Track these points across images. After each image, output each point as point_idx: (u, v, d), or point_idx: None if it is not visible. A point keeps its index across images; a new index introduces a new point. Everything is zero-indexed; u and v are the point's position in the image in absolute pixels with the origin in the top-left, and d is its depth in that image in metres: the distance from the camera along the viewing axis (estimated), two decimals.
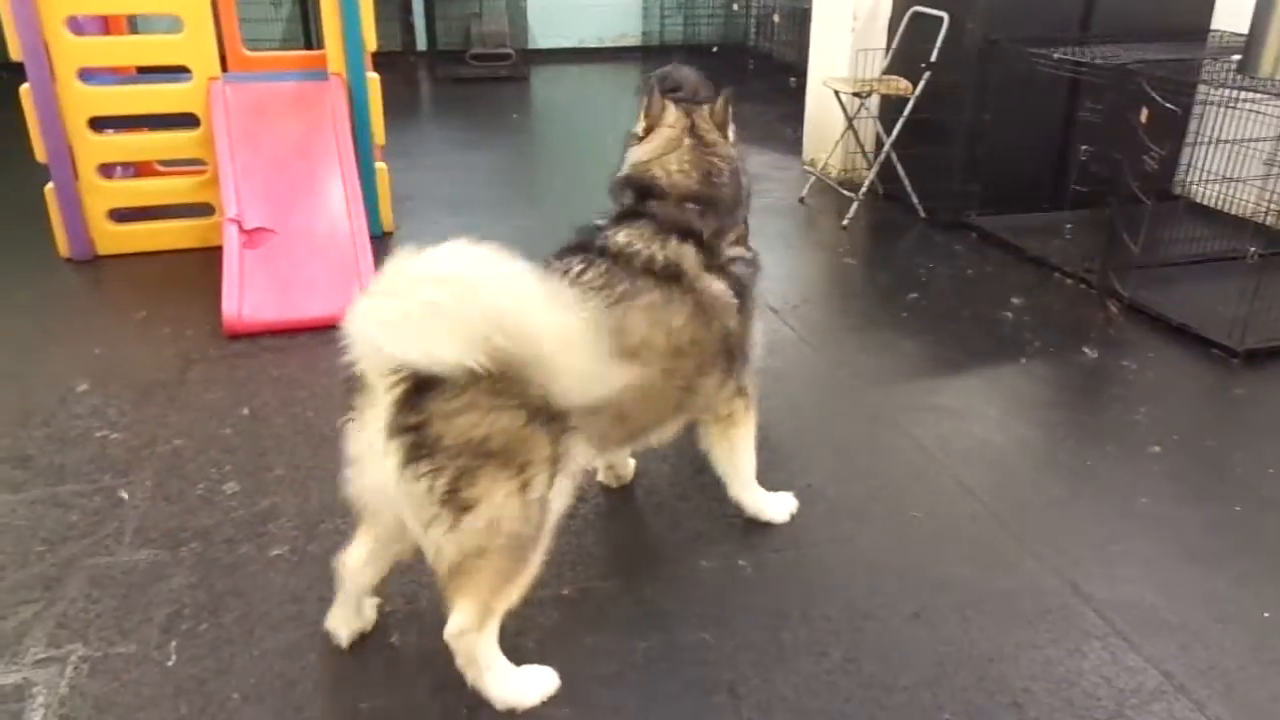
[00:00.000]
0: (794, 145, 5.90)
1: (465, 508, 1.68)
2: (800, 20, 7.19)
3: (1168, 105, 3.49)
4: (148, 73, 4.45)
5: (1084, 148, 3.87)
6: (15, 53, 3.72)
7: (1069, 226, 4.28)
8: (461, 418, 1.65)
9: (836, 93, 4.78)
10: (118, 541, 2.37)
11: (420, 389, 1.64)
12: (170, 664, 2.00)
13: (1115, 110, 3.66)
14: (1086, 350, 3.43)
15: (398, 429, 1.65)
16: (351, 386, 1.75)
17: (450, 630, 1.82)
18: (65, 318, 3.65)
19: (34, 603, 2.16)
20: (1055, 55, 3.88)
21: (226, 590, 2.21)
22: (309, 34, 8.10)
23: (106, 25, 4.39)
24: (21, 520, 2.44)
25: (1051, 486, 2.67)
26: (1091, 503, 2.58)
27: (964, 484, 2.65)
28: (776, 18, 8.23)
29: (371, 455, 1.72)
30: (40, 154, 3.88)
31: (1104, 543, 2.41)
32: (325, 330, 3.46)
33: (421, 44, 8.64)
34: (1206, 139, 3.97)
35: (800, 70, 5.93)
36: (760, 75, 8.37)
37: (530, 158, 6.22)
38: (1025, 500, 2.60)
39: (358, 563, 1.97)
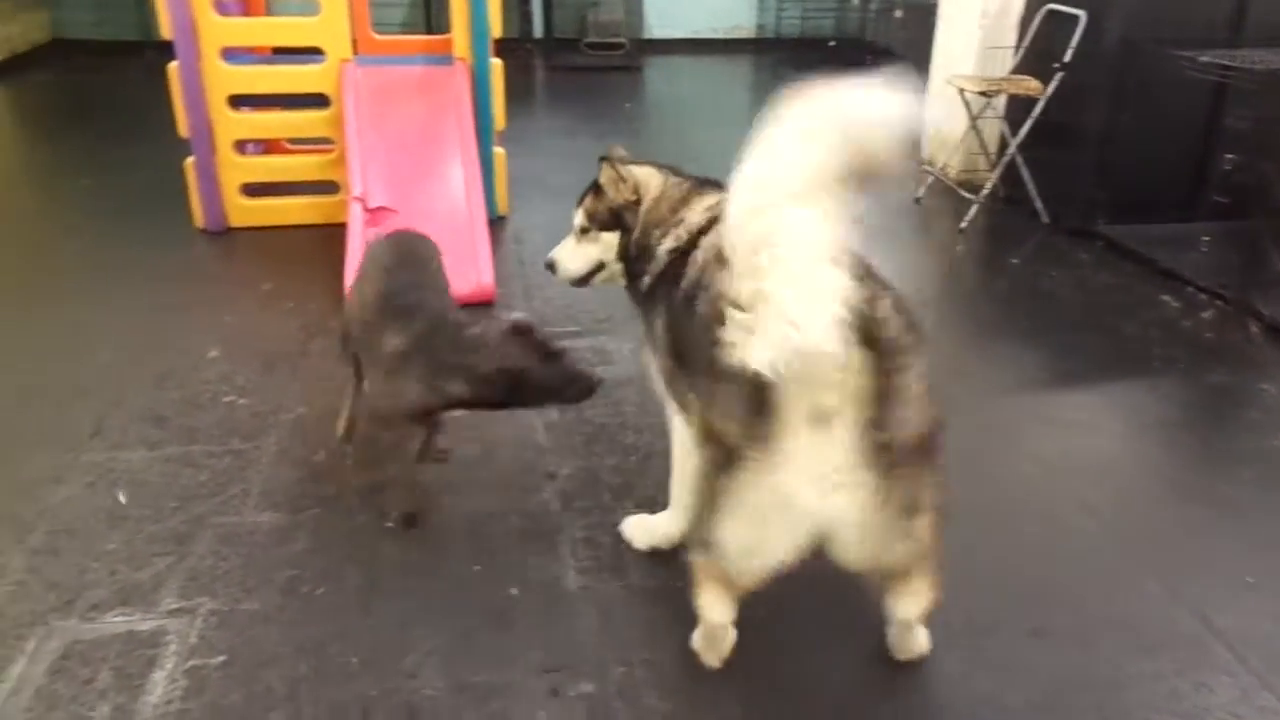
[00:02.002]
0: (910, 145, 5.77)
1: (917, 510, 1.64)
2: (923, 15, 7.01)
3: None
4: (280, 54, 4.63)
5: (1228, 156, 3.68)
6: (167, 31, 3.90)
7: (1205, 239, 4.08)
8: (913, 413, 1.57)
9: (961, 91, 4.65)
10: (243, 503, 2.47)
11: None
12: (291, 625, 2.08)
13: (1267, 118, 3.47)
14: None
15: (873, 449, 1.54)
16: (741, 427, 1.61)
17: (916, 614, 1.87)
18: (199, 286, 3.82)
19: (167, 555, 2.27)
20: (1203, 58, 3.69)
21: (344, 557, 2.28)
22: (430, 19, 8.28)
23: (246, 7, 4.58)
24: (157, 477, 2.56)
25: (1180, 510, 2.55)
26: (1224, 531, 2.46)
27: (1086, 502, 2.55)
28: (898, 12, 8.05)
29: (809, 493, 1.58)
30: (183, 129, 4.07)
31: (1237, 573, 2.29)
32: None
33: (538, 32, 8.75)
34: None
35: (921, 67, 5.79)
36: (877, 70, 8.20)
37: (642, 147, 6.18)
38: (1151, 524, 2.49)
39: (728, 618, 1.91)
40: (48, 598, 2.12)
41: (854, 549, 1.67)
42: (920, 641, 1.96)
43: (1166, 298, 3.81)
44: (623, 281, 2.30)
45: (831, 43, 9.05)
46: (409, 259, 2.53)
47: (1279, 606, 2.18)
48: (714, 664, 1.95)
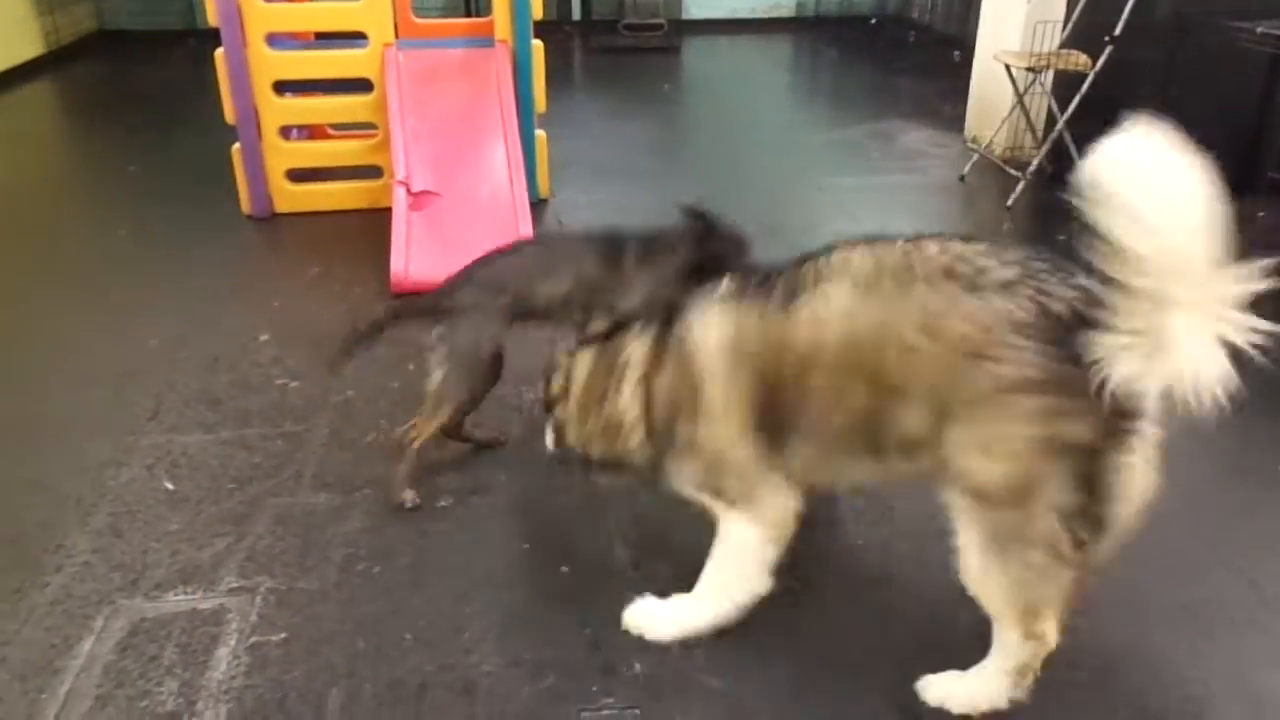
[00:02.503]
0: (953, 122, 5.70)
1: None
2: None
3: None
4: (323, 39, 4.66)
5: None
6: (212, 19, 3.94)
7: (1261, 215, 3.99)
8: None
9: (1008, 67, 4.58)
10: (298, 483, 2.52)
11: None
12: (348, 602, 2.12)
13: None
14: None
15: None
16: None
17: None
18: (247, 271, 3.89)
19: (226, 536, 2.32)
20: (1259, 29, 3.59)
21: (397, 536, 2.32)
22: (470, 2, 8.30)
23: None
24: (214, 459, 2.62)
25: (1239, 491, 2.51)
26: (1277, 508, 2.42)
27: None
28: None
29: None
30: (229, 115, 4.13)
31: None
32: None
33: (577, 13, 8.73)
34: None
35: (965, 43, 5.70)
36: (921, 48, 8.10)
37: (680, 129, 6.21)
38: (1210, 503, 2.45)
39: None
40: (113, 577, 2.18)
41: None
42: None
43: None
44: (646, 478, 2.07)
45: (873, 20, 8.93)
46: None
47: None
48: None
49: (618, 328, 2.06)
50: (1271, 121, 4.13)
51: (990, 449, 1.60)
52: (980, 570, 1.70)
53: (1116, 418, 1.53)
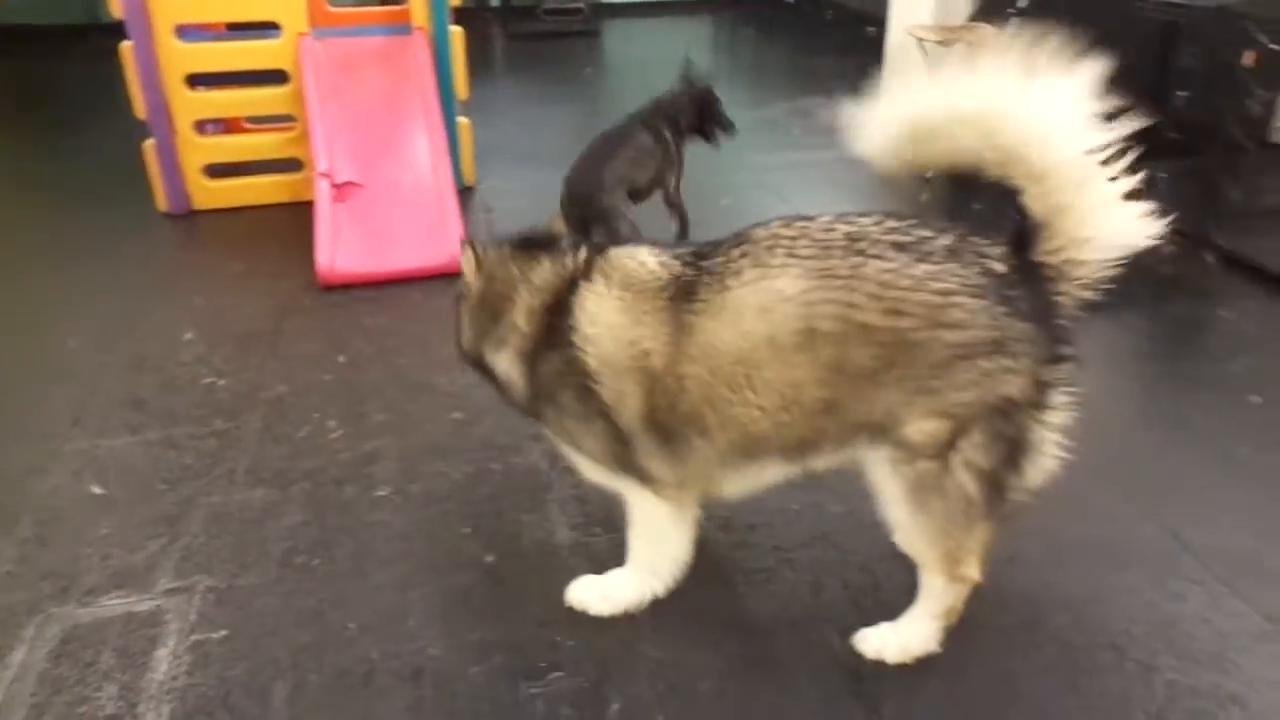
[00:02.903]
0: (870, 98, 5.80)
1: None
2: None
3: (1273, 46, 3.36)
4: (235, 30, 4.56)
5: (1180, 94, 3.74)
6: (116, 11, 3.83)
7: (1162, 175, 4.15)
8: None
9: (920, 41, 4.68)
10: (231, 481, 2.49)
11: None
12: (289, 596, 2.11)
13: (1215, 54, 3.53)
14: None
15: None
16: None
17: None
18: (168, 270, 3.80)
19: (160, 537, 2.28)
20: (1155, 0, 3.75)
21: (337, 528, 2.31)
22: None
23: None
24: (142, 461, 2.57)
25: (1147, 435, 2.64)
26: (1189, 452, 2.55)
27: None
28: None
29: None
30: (140, 111, 4.02)
31: (1203, 491, 2.38)
32: (415, 280, 3.57)
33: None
34: None
35: (879, 20, 5.81)
36: (836, 26, 8.23)
37: (604, 112, 6.16)
38: (1121, 449, 2.57)
39: None
40: (42, 586, 2.13)
41: None
42: None
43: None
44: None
45: (790, 0, 9.03)
46: None
47: (1242, 519, 2.27)
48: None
49: (545, 244, 1.94)
50: (1168, 85, 4.29)
51: (935, 410, 1.62)
52: (903, 521, 1.76)
53: (1048, 373, 1.60)
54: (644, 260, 1.82)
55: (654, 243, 1.89)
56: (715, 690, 1.85)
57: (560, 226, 2.03)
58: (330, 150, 3.89)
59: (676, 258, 1.80)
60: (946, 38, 4.59)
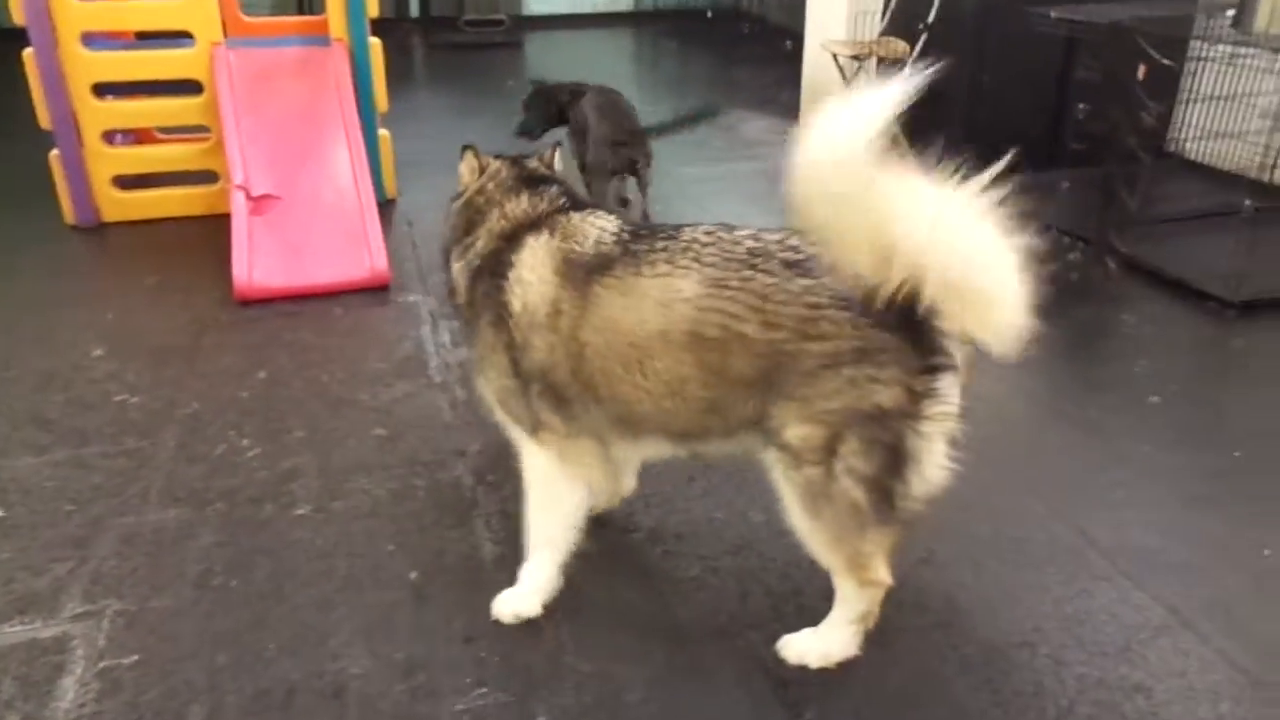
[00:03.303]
0: (790, 109, 5.91)
1: None
2: None
3: (1164, 61, 3.53)
4: (144, 38, 4.44)
5: (1081, 106, 3.91)
6: (18, 17, 3.70)
7: (1066, 185, 4.32)
8: None
9: (835, 56, 4.79)
10: (144, 501, 2.41)
11: None
12: (205, 618, 2.05)
13: (1112, 68, 3.69)
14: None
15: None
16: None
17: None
18: (76, 284, 3.67)
19: (67, 560, 2.20)
20: (1053, 14, 3.90)
21: (254, 548, 2.26)
22: (300, 1, 8.04)
23: None
24: (48, 482, 2.48)
25: (1055, 436, 2.74)
26: (1094, 451, 2.65)
27: (966, 432, 2.70)
28: None
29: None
30: (44, 120, 3.88)
31: (1108, 489, 2.48)
32: (336, 295, 3.52)
33: (415, 10, 8.58)
34: (1200, 96, 4.00)
35: (796, 34, 5.93)
36: (755, 39, 8.35)
37: None
38: (1029, 449, 2.66)
39: None
40: None
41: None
42: None
43: (1034, 242, 4.03)
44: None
45: (709, 13, 9.14)
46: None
47: (1146, 516, 2.37)
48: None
49: (534, 180, 2.08)
50: (1069, 98, 4.47)
51: (807, 416, 1.69)
52: (801, 527, 1.81)
53: (919, 384, 1.63)
54: (602, 228, 1.92)
55: (623, 216, 2.01)
56: (642, 699, 1.86)
57: (552, 164, 2.20)
58: (246, 162, 3.81)
59: (623, 233, 1.89)
60: (860, 52, 4.71)
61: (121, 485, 2.47)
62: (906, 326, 1.61)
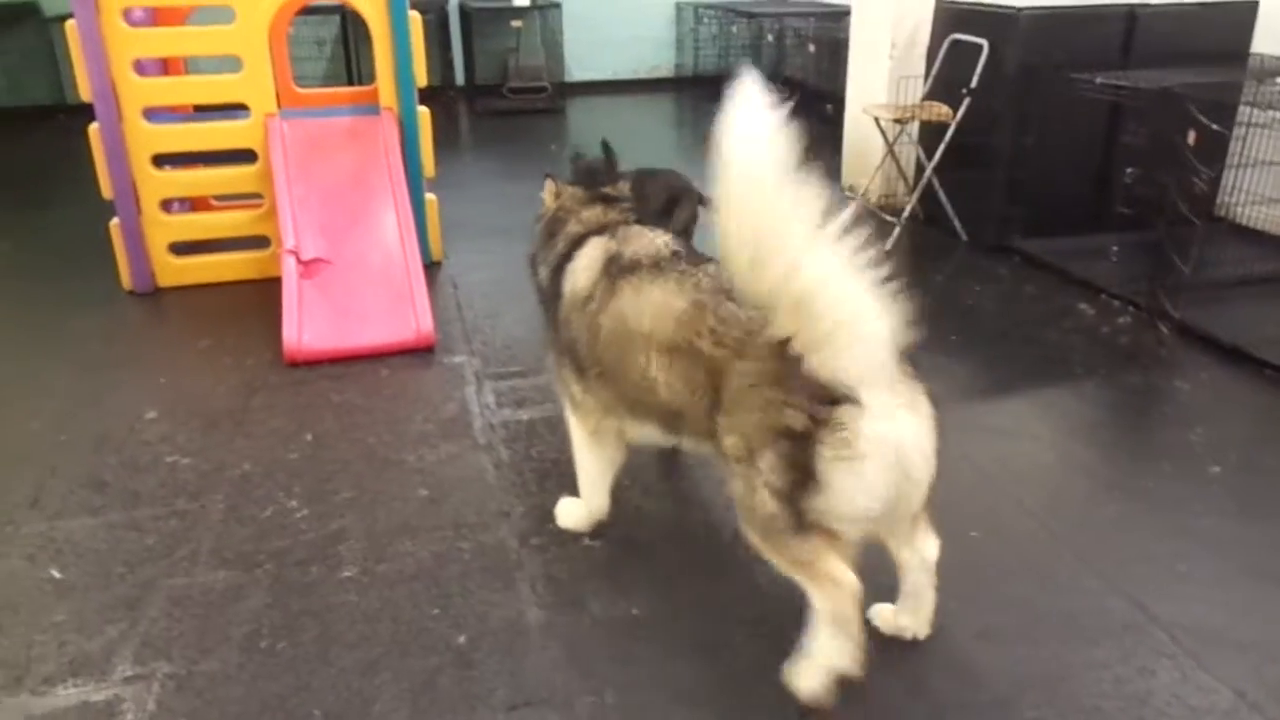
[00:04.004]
0: (830, 172, 5.96)
1: None
2: (835, 49, 7.27)
3: (1214, 127, 3.51)
4: (202, 110, 4.60)
5: (1129, 170, 3.89)
6: (85, 94, 3.86)
7: (1114, 249, 4.29)
8: None
9: (877, 119, 4.84)
10: (194, 563, 2.44)
11: None
12: (252, 682, 2.05)
13: (1160, 133, 3.68)
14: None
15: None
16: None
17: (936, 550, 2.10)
18: (131, 348, 3.76)
19: (118, 622, 2.22)
20: (1098, 80, 3.91)
21: (301, 610, 2.27)
22: (351, 71, 8.29)
23: (165, 66, 4.54)
24: (102, 543, 2.51)
25: (1110, 506, 2.67)
26: (1152, 522, 2.58)
27: (1022, 504, 2.66)
28: (811, 47, 8.31)
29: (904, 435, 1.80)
30: (106, 190, 4.02)
31: (1168, 562, 2.41)
32: (382, 357, 3.57)
33: (461, 79, 8.82)
34: (1250, 161, 3.97)
35: (837, 98, 5.99)
36: (797, 103, 8.44)
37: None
38: (1084, 520, 2.60)
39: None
40: None
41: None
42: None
43: (1083, 306, 4.00)
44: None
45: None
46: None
47: (1209, 591, 2.30)
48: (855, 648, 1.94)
49: (608, 197, 2.51)
50: (1115, 161, 4.46)
51: (734, 428, 1.91)
52: (741, 526, 1.99)
53: (820, 412, 1.77)
54: (652, 240, 2.27)
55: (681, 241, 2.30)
56: None
57: (620, 188, 2.59)
58: (297, 227, 3.90)
59: (664, 250, 2.21)
60: (901, 115, 4.74)
61: (172, 547, 2.50)
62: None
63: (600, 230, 2.36)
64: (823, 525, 1.84)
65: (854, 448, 1.75)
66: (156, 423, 3.14)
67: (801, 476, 1.80)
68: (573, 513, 2.56)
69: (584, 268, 2.28)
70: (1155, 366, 3.48)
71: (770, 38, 9.08)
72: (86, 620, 2.23)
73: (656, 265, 2.15)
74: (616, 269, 2.20)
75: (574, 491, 2.55)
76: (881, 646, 2.11)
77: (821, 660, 1.93)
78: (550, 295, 2.41)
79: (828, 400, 1.76)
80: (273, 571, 2.40)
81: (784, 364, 1.79)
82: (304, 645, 2.16)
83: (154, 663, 2.10)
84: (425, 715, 1.96)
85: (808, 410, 1.77)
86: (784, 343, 1.78)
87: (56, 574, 2.39)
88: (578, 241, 2.36)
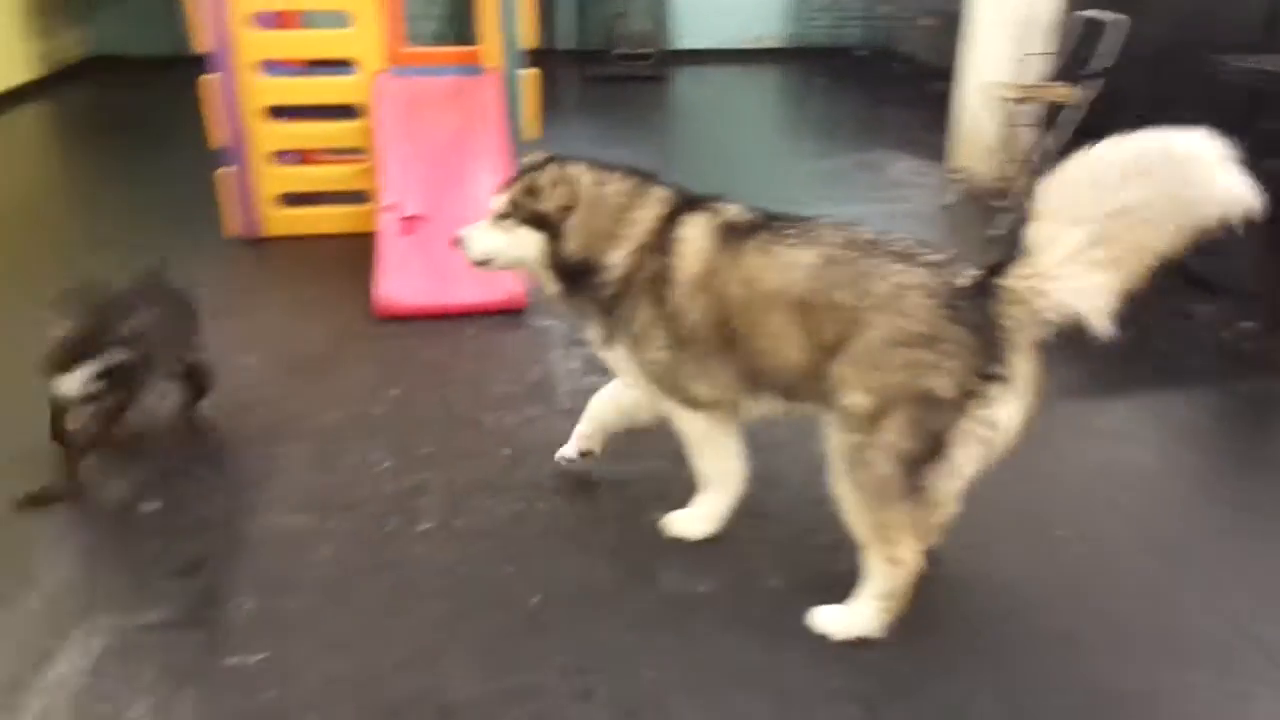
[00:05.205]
0: (935, 151, 5.75)
1: None
2: (953, 23, 6.99)
3: None
4: (315, 66, 4.70)
5: (1271, 160, 3.63)
6: (203, 45, 3.97)
7: (1244, 247, 4.02)
8: None
9: (994, 98, 4.64)
10: (280, 504, 2.50)
11: None
12: (326, 625, 2.10)
13: None
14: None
15: None
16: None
17: None
18: (234, 294, 3.89)
19: (200, 557, 2.31)
20: (1240, 64, 3.66)
21: (379, 560, 2.31)
22: (461, 31, 8.37)
23: (281, 20, 4.65)
24: (191, 481, 2.61)
25: (1214, 518, 2.52)
26: (1258, 538, 2.43)
27: (1121, 508, 2.53)
28: (927, 20, 8.02)
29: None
30: (216, 140, 4.14)
31: (1271, 580, 2.26)
32: (471, 316, 3.60)
33: (568, 43, 8.82)
34: None
35: (950, 75, 5.77)
36: (906, 80, 8.18)
37: (667, 155, 6.25)
38: (1186, 531, 2.46)
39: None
40: (93, 595, 2.17)
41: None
42: None
43: (1202, 306, 3.77)
44: (550, 285, 2.30)
45: (861, 52, 9.04)
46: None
47: None
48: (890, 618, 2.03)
49: (644, 178, 2.28)
50: (1251, 150, 4.18)
51: (865, 385, 1.88)
52: (838, 488, 2.00)
53: (972, 383, 1.80)
54: (733, 208, 2.18)
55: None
56: None
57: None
58: (398, 184, 3.96)
59: (754, 213, 2.16)
60: (1027, 96, 4.54)
61: (258, 488, 2.57)
62: (978, 329, 1.80)
63: (685, 209, 2.18)
64: (930, 497, 1.89)
65: (994, 426, 1.79)
66: (253, 368, 3.23)
67: (931, 445, 1.83)
68: (693, 521, 2.39)
69: (696, 247, 2.12)
70: (1274, 373, 3.26)
71: (885, 9, 8.81)
72: (174, 551, 2.32)
73: (773, 228, 2.08)
74: (736, 236, 2.09)
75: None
76: (947, 642, 2.04)
77: (851, 621, 2.04)
78: (643, 288, 2.16)
79: (981, 373, 1.78)
80: (351, 519, 2.45)
81: (941, 327, 1.80)
82: (379, 594, 2.20)
83: (237, 597, 2.17)
84: (492, 671, 1.98)
85: (960, 380, 1.78)
86: (952, 302, 1.80)
87: (151, 507, 2.50)
88: (669, 223, 2.17)
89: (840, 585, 2.10)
